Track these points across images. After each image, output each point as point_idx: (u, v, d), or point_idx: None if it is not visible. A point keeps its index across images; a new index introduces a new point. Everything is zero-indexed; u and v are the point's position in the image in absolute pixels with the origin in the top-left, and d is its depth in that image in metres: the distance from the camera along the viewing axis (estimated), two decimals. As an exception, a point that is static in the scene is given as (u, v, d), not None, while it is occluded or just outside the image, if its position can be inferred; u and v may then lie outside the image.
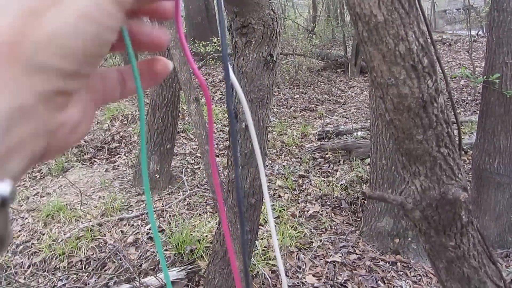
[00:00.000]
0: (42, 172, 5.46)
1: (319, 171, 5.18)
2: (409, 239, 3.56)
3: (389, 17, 0.70)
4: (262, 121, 2.37)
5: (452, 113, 0.91)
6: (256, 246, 3.30)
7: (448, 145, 0.83)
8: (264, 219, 3.76)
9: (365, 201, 4.17)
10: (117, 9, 0.28)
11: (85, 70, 0.28)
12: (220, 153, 5.67)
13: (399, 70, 0.75)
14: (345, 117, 7.28)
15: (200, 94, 2.50)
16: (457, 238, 0.92)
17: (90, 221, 3.98)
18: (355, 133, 6.21)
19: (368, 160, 4.93)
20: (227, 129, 6.58)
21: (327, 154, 5.56)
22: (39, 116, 0.26)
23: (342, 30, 10.80)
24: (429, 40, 0.75)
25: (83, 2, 0.26)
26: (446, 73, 0.86)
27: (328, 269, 3.25)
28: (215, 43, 10.02)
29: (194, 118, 1.96)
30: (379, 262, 3.40)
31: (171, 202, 4.32)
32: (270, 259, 3.30)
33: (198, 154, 5.53)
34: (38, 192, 4.88)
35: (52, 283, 3.21)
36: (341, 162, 5.30)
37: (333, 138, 6.10)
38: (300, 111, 7.75)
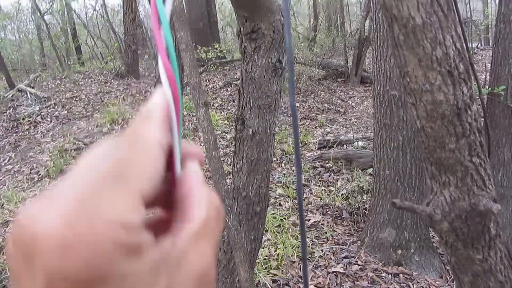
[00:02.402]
0: (40, 174, 5.40)
1: (319, 180, 5.15)
2: (412, 250, 3.52)
3: (427, 20, 0.68)
4: (269, 128, 2.34)
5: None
6: (258, 255, 3.26)
7: (480, 154, 0.81)
8: (265, 227, 3.72)
9: (367, 212, 4.14)
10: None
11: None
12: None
13: (435, 76, 0.72)
14: (346, 127, 7.27)
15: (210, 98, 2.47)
16: (485, 251, 0.89)
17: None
18: (355, 143, 6.19)
19: (369, 170, 4.91)
20: (227, 136, 6.55)
21: (327, 163, 5.53)
22: None
23: (343, 39, 10.82)
24: (464, 45, 0.72)
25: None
26: (479, 79, 0.84)
27: (330, 279, 3.21)
28: (216, 49, 10.02)
29: (203, 123, 1.92)
30: (381, 273, 3.36)
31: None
32: (271, 268, 3.26)
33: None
34: (36, 195, 4.82)
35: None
36: (342, 171, 5.27)
37: (333, 147, 6.07)
38: (301, 120, 7.74)
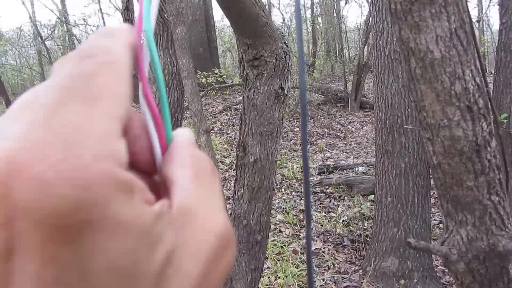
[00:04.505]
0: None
1: (320, 206, 5.08)
2: (415, 280, 3.44)
3: (446, 54, 0.65)
4: (271, 155, 2.30)
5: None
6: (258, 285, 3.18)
7: (499, 192, 0.77)
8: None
9: (368, 239, 4.07)
10: None
11: None
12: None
13: (454, 111, 0.69)
14: (346, 152, 7.24)
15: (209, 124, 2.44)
16: (503, 294, 0.85)
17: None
18: (356, 168, 6.14)
19: (371, 197, 4.85)
20: (227, 160, 6.51)
21: (328, 189, 5.47)
22: None
23: (342, 65, 10.91)
24: (483, 80, 0.69)
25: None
26: (497, 115, 0.81)
27: (332, 310, 3.13)
28: (216, 74, 10.09)
29: (204, 150, 1.89)
30: (384, 304, 3.28)
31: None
32: (271, 298, 3.17)
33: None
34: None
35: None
36: (343, 197, 5.21)
37: (334, 172, 6.03)
38: (300, 145, 7.71)
